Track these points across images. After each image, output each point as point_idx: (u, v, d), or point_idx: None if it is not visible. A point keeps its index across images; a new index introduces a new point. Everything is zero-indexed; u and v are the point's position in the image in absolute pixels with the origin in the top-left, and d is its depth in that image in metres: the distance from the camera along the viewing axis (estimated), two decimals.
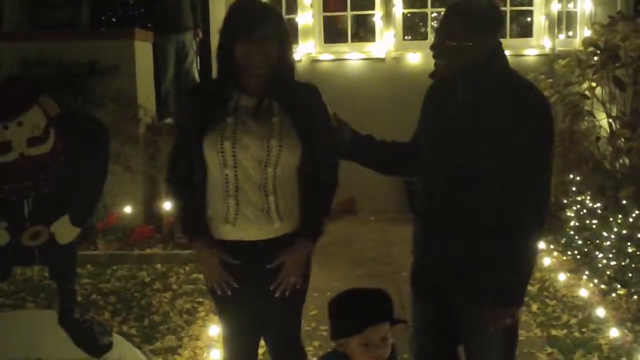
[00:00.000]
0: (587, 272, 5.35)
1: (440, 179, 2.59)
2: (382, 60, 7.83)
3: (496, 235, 2.47)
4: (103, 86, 6.47)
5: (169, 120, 7.32)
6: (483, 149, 2.48)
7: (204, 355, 4.16)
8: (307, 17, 7.79)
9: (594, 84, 6.35)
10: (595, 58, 6.29)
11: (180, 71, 8.07)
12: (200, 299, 4.96)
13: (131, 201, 6.60)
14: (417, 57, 7.68)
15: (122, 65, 6.59)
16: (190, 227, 2.78)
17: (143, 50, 7.00)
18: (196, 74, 8.31)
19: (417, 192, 2.75)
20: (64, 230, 3.67)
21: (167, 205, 6.12)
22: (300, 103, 2.67)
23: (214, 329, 4.22)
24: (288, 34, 2.70)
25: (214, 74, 2.97)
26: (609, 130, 6.37)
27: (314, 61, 7.85)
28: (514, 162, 2.45)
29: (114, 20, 16.76)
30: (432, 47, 2.59)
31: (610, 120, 6.32)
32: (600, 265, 5.24)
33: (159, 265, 5.95)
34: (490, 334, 2.58)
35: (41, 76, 6.20)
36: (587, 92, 6.42)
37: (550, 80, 6.71)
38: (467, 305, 2.60)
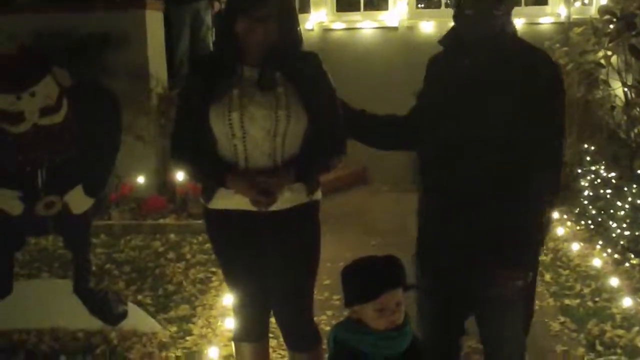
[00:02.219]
0: (600, 242, 5.34)
1: (453, 149, 2.56)
2: (395, 29, 7.77)
3: (512, 199, 2.48)
4: (115, 57, 6.46)
5: None
6: (498, 115, 2.47)
7: (218, 324, 4.19)
8: None
9: (609, 53, 6.27)
10: (611, 26, 6.20)
11: (195, 41, 8.02)
12: (214, 269, 4.98)
13: (144, 172, 6.61)
14: (431, 26, 7.61)
15: (134, 35, 6.57)
16: (216, 177, 2.73)
17: (155, 20, 6.96)
18: (211, 45, 8.27)
19: (423, 166, 2.74)
20: (78, 200, 3.70)
21: (180, 176, 6.13)
22: (302, 72, 2.68)
23: (228, 298, 4.24)
24: (293, 9, 2.74)
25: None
26: (624, 99, 6.30)
27: (326, 30, 7.80)
28: (529, 126, 2.45)
29: None
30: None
31: (626, 89, 6.24)
32: (613, 234, 5.22)
33: (172, 235, 5.98)
34: (506, 304, 2.59)
35: (54, 47, 6.19)
36: (602, 61, 6.34)
37: (566, 48, 6.64)
38: (480, 276, 2.59)
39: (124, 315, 4.09)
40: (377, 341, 2.34)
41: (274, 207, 2.68)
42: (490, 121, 2.49)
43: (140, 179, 6.59)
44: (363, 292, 2.33)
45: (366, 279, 2.34)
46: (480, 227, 2.54)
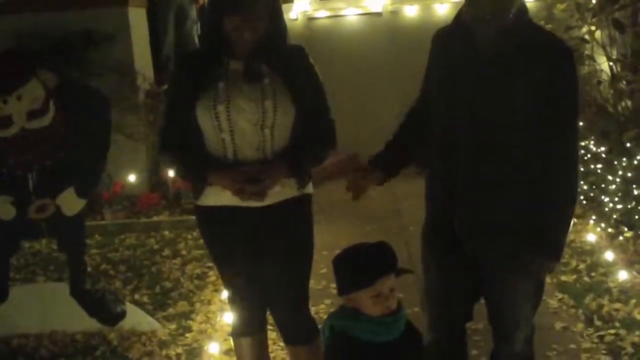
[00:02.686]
0: (593, 217, 5.36)
1: (469, 134, 2.50)
2: (379, 14, 7.74)
3: (532, 188, 2.47)
4: (100, 55, 6.42)
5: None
6: (517, 99, 2.45)
7: (217, 319, 4.20)
8: None
9: (593, 28, 6.27)
10: (594, 1, 6.21)
11: (180, 36, 7.98)
12: (210, 264, 4.97)
13: (135, 169, 6.60)
14: (415, 10, 7.59)
15: (118, 32, 6.54)
16: (199, 173, 2.73)
17: (138, 16, 6.93)
18: (196, 39, 8.23)
19: (436, 150, 2.66)
20: (70, 202, 3.67)
21: (172, 172, 6.11)
22: (289, 65, 2.69)
23: (226, 293, 4.24)
24: (279, 4, 2.72)
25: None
26: (610, 74, 6.32)
27: (310, 19, 7.77)
28: (548, 112, 2.43)
29: None
30: None
31: (611, 63, 6.25)
32: (606, 209, 5.24)
33: (166, 232, 5.97)
34: (521, 287, 2.59)
35: (37, 48, 6.15)
36: (586, 36, 6.35)
37: (550, 25, 6.63)
38: (499, 260, 2.58)
39: (122, 315, 4.08)
40: (374, 327, 2.35)
41: (265, 202, 2.67)
42: (505, 106, 2.46)
43: (132, 177, 6.57)
44: (357, 279, 2.34)
45: (359, 266, 2.35)
46: (500, 215, 2.53)
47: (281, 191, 2.71)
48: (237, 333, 3.04)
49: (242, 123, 2.63)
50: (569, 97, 2.48)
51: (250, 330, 3.00)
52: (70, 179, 3.67)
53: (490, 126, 2.48)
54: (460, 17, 2.58)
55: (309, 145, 2.74)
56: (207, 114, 2.63)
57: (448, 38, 2.65)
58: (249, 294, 2.91)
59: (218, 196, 2.72)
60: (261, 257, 2.80)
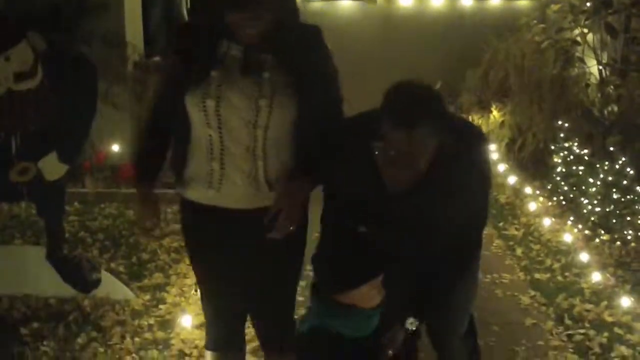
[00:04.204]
0: (571, 218, 5.40)
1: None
2: (373, 2, 7.73)
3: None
4: (91, 23, 6.37)
5: (157, 59, 7.23)
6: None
7: (192, 292, 4.20)
8: None
9: (585, 30, 6.31)
10: (588, 4, 6.24)
11: (169, 9, 7.92)
12: None
13: (119, 140, 6.56)
14: (410, 0, 7.59)
15: (111, 1, 6.48)
16: (143, 169, 2.63)
17: None
18: (185, 14, 8.17)
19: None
20: (52, 167, 3.67)
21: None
22: (298, 51, 2.32)
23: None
24: None
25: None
26: (598, 77, 6.36)
27: (305, 1, 7.75)
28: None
29: None
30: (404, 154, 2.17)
31: (601, 67, 6.29)
32: (585, 211, 5.29)
33: None
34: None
35: (29, 12, 6.09)
36: (578, 39, 6.38)
37: (543, 25, 6.66)
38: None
39: (97, 282, 4.09)
40: (361, 322, 2.30)
41: (247, 205, 2.42)
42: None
43: (115, 147, 6.54)
44: (363, 273, 2.26)
45: (362, 260, 2.27)
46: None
47: (270, 195, 2.40)
48: (214, 347, 2.73)
49: (233, 121, 2.32)
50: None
51: (230, 344, 2.73)
52: (54, 144, 3.66)
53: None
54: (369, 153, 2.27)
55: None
56: (195, 106, 2.32)
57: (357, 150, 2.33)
58: (232, 305, 2.63)
59: (201, 193, 2.45)
60: (249, 260, 2.49)
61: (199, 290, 2.83)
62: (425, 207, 2.26)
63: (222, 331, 2.70)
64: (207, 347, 2.76)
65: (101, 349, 3.57)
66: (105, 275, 4.19)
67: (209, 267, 2.60)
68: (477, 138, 2.41)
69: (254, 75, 2.30)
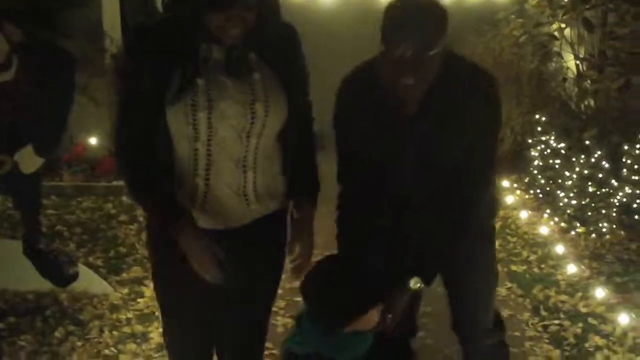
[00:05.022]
0: (548, 211, 5.46)
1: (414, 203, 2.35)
2: None
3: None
4: (69, 15, 6.32)
5: None
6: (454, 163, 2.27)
7: None
8: None
9: (563, 25, 6.35)
10: None
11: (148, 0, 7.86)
12: None
13: (97, 133, 6.53)
14: None
15: None
16: (171, 210, 2.07)
17: None
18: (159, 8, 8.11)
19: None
20: (28, 160, 3.64)
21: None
22: (280, 51, 2.12)
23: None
24: None
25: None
26: (575, 72, 6.41)
27: None
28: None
29: None
30: (407, 61, 2.07)
31: (578, 61, 6.34)
32: (561, 204, 5.34)
33: (124, 198, 5.92)
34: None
35: (4, 4, 6.03)
36: (556, 33, 6.42)
37: (521, 20, 6.70)
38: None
39: (74, 276, 4.07)
40: (359, 344, 2.16)
41: (233, 223, 2.17)
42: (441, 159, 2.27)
43: (93, 140, 6.51)
44: (370, 297, 2.16)
45: (368, 284, 2.16)
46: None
47: (257, 207, 2.18)
48: None
49: (224, 131, 2.04)
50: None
51: None
52: (30, 136, 3.64)
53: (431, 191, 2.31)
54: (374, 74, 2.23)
55: (309, 154, 2.30)
56: (182, 121, 2.01)
57: (363, 90, 2.32)
58: (204, 332, 2.34)
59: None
60: (228, 281, 2.11)
61: (162, 321, 2.43)
62: (435, 131, 2.24)
63: None
64: None
65: (79, 343, 3.56)
66: (83, 269, 4.18)
67: (185, 292, 2.18)
68: (489, 76, 2.33)
69: (244, 78, 2.05)
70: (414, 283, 2.28)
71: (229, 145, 2.06)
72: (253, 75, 2.05)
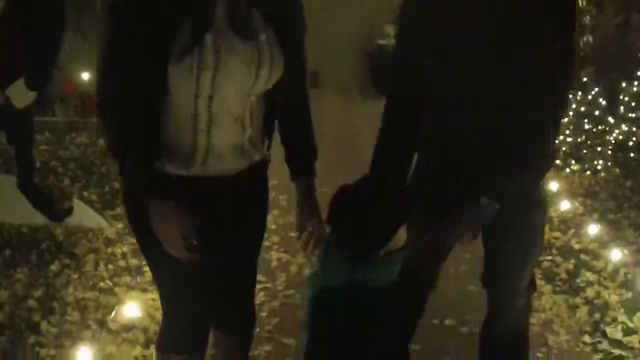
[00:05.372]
0: None
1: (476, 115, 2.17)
2: None
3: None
4: None
5: None
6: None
7: None
8: None
9: None
10: None
11: None
12: None
13: (89, 70, 6.46)
14: None
15: None
16: (150, 178, 1.93)
17: None
18: None
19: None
20: (19, 94, 3.61)
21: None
22: (282, 10, 2.02)
23: None
24: None
25: None
26: None
27: None
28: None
29: None
30: None
31: None
32: (557, 141, 5.32)
33: None
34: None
35: None
36: None
37: None
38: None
39: (69, 211, 4.08)
40: (389, 267, 2.09)
41: (229, 172, 2.07)
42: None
43: (86, 76, 6.45)
44: (400, 217, 2.08)
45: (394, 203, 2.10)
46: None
47: (252, 155, 2.10)
48: (172, 348, 2.21)
49: (228, 90, 1.96)
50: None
51: (193, 345, 2.22)
52: (21, 71, 3.60)
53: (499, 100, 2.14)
54: None
55: (305, 121, 2.22)
56: (185, 77, 1.89)
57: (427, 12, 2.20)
58: (199, 291, 2.15)
59: (179, 168, 2.01)
60: (225, 228, 2.14)
61: (158, 281, 2.21)
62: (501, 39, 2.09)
63: (185, 327, 2.21)
64: (159, 348, 2.25)
65: (74, 276, 3.58)
66: (77, 204, 4.19)
67: (175, 262, 1.99)
68: None
69: (251, 38, 1.94)
70: (487, 203, 2.16)
71: (230, 103, 1.98)
72: (260, 37, 1.95)
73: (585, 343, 3.23)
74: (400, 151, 2.36)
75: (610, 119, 5.08)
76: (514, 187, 2.22)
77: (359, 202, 2.08)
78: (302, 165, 2.22)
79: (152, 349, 2.60)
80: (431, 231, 2.18)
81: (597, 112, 5.14)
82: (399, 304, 2.17)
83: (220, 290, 2.25)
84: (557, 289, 3.64)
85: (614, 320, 3.35)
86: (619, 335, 3.25)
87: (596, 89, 5.23)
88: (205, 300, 2.19)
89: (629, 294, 3.55)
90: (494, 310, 2.51)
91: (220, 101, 1.95)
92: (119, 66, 1.88)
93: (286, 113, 2.17)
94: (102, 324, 3.17)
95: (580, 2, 6.22)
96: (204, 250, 2.03)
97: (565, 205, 4.51)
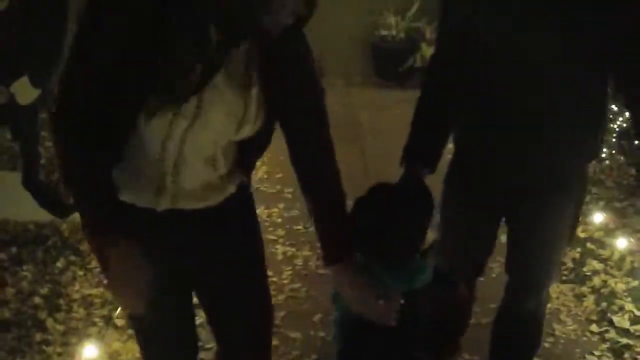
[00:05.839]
0: None
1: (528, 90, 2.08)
2: None
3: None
4: None
5: None
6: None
7: None
8: None
9: None
10: None
11: None
12: None
13: None
14: None
15: None
16: (110, 224, 1.75)
17: None
18: None
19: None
20: (24, 90, 3.63)
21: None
22: (287, 65, 1.76)
23: None
24: None
25: None
26: None
27: None
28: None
29: None
30: None
31: None
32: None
33: None
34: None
35: None
36: None
37: None
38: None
39: (74, 207, 4.08)
40: (426, 267, 2.03)
41: (201, 206, 1.87)
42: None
43: None
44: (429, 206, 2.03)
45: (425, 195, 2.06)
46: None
47: (212, 195, 1.88)
48: None
49: (203, 136, 1.74)
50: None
51: None
52: (25, 67, 3.61)
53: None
54: None
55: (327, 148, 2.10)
56: (155, 126, 1.66)
57: None
58: (181, 326, 2.05)
59: (138, 198, 1.82)
60: (201, 265, 1.96)
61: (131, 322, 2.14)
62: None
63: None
64: None
65: (80, 273, 3.59)
66: None
67: (153, 280, 1.77)
68: None
69: (243, 89, 1.71)
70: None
71: (203, 147, 1.77)
72: (251, 91, 1.72)
73: (592, 332, 3.24)
74: (436, 121, 2.27)
75: (614, 107, 5.04)
76: (560, 171, 2.17)
77: (384, 211, 1.98)
78: (335, 248, 1.93)
79: None
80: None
81: None
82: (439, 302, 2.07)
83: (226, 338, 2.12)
84: (564, 278, 3.63)
85: (621, 309, 3.36)
86: (626, 323, 3.25)
87: None
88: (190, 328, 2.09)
89: (636, 282, 3.55)
90: (515, 298, 2.46)
91: (191, 145, 1.73)
92: (78, 85, 1.72)
93: (306, 168, 1.97)
94: (108, 320, 3.19)
95: None
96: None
97: None
